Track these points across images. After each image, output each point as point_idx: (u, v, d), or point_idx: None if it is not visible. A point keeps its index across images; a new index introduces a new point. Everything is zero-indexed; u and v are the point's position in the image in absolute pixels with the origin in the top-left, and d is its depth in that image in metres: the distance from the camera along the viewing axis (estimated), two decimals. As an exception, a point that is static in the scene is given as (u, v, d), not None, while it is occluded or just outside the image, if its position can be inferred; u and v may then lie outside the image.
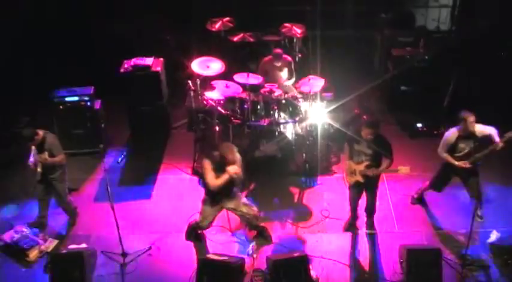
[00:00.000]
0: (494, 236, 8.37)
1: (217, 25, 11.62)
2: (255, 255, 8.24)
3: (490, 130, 8.05)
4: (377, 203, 8.49)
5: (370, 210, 8.57)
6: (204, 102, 10.23)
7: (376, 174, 8.10)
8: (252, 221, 8.32)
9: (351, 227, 8.74)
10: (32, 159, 8.35)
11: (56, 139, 8.45)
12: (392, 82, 11.40)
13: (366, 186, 8.30)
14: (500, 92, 10.88)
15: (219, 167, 7.73)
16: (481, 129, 8.03)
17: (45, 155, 8.22)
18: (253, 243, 8.42)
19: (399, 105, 11.44)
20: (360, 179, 8.10)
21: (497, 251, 8.13)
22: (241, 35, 11.70)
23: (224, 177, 7.67)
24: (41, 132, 8.26)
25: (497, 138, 7.97)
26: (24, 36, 12.10)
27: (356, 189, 8.36)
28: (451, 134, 8.17)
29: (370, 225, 8.65)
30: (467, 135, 8.04)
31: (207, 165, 7.78)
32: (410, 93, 11.35)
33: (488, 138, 8.04)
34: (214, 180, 7.72)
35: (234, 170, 7.67)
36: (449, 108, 10.83)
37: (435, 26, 13.40)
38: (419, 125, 10.90)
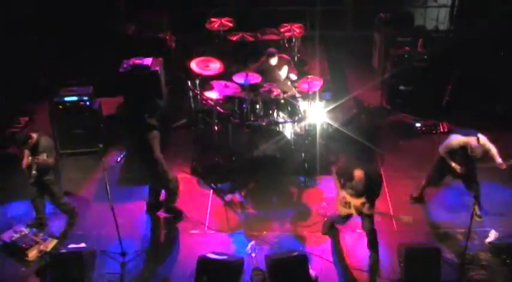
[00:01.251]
0: (492, 235, 8.37)
1: (217, 25, 11.64)
2: (253, 254, 8.25)
3: (492, 148, 8.14)
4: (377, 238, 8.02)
5: (373, 244, 8.01)
6: (203, 102, 10.24)
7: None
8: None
9: (330, 229, 8.61)
10: (25, 161, 8.32)
11: (50, 142, 8.45)
12: (391, 82, 11.41)
13: (362, 218, 7.94)
14: (499, 91, 10.91)
15: None
16: (483, 141, 8.11)
17: (44, 156, 8.22)
18: (252, 242, 8.43)
19: (398, 105, 11.45)
20: (353, 212, 7.83)
21: (496, 250, 8.14)
22: (241, 34, 11.71)
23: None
24: (34, 135, 8.27)
25: (499, 159, 8.10)
26: (23, 36, 12.10)
27: (345, 219, 8.22)
28: (456, 141, 8.23)
29: (375, 260, 8.08)
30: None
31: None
32: (409, 93, 11.36)
33: (488, 151, 8.16)
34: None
35: None
36: (447, 108, 10.84)
37: (434, 26, 13.43)
38: (418, 124, 10.92)
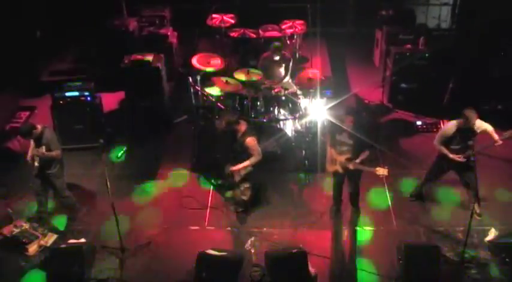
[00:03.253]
0: (492, 234, 8.37)
1: (218, 21, 11.63)
2: (253, 250, 8.27)
3: (488, 127, 8.12)
4: (360, 194, 8.67)
5: (354, 200, 8.69)
6: (204, 98, 10.25)
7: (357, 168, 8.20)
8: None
9: (336, 213, 8.87)
10: (30, 154, 8.37)
11: (53, 134, 8.46)
12: (392, 79, 11.41)
13: (348, 177, 8.43)
14: (500, 89, 10.90)
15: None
16: (479, 124, 8.09)
17: (43, 148, 8.23)
18: (252, 239, 8.45)
19: (399, 103, 11.45)
20: (339, 169, 8.24)
21: (495, 249, 8.14)
22: (242, 31, 11.70)
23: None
24: (39, 127, 8.27)
25: (495, 136, 8.04)
26: (25, 32, 12.10)
27: (337, 178, 8.54)
28: (450, 127, 8.23)
29: (356, 212, 8.77)
30: (466, 129, 8.09)
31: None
32: (410, 91, 11.36)
33: (485, 133, 8.14)
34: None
35: None
36: (448, 106, 10.84)
37: (436, 24, 13.42)
38: (418, 122, 10.92)
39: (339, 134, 8.19)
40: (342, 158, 8.16)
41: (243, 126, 8.41)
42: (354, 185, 8.51)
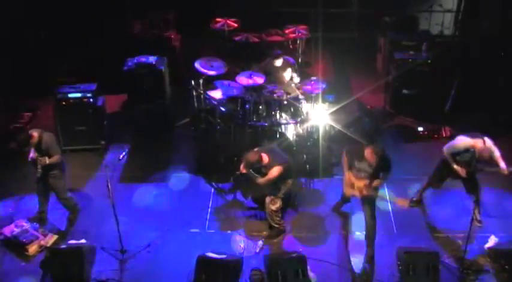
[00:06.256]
0: (492, 241, 8.37)
1: (221, 25, 11.65)
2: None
3: (496, 151, 8.08)
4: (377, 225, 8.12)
5: (371, 236, 8.07)
6: (207, 101, 10.26)
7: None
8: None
9: (338, 206, 8.99)
10: (32, 155, 8.37)
11: (52, 138, 8.45)
12: (395, 85, 11.42)
13: (363, 202, 8.09)
14: (502, 96, 10.91)
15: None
16: (489, 144, 8.07)
17: (45, 159, 8.23)
18: (261, 242, 8.46)
19: (401, 109, 11.46)
20: (356, 194, 8.01)
21: (495, 256, 8.13)
22: (245, 35, 11.72)
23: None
24: (35, 134, 8.23)
25: (502, 164, 8.04)
26: (27, 33, 12.13)
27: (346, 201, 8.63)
28: (462, 144, 8.18)
29: (370, 256, 8.12)
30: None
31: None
32: (412, 97, 11.37)
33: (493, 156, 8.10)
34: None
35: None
36: (450, 112, 10.85)
37: (439, 31, 13.44)
38: (420, 128, 10.92)
39: (359, 161, 7.88)
40: (361, 184, 7.91)
41: (265, 159, 8.15)
42: (370, 213, 8.01)
